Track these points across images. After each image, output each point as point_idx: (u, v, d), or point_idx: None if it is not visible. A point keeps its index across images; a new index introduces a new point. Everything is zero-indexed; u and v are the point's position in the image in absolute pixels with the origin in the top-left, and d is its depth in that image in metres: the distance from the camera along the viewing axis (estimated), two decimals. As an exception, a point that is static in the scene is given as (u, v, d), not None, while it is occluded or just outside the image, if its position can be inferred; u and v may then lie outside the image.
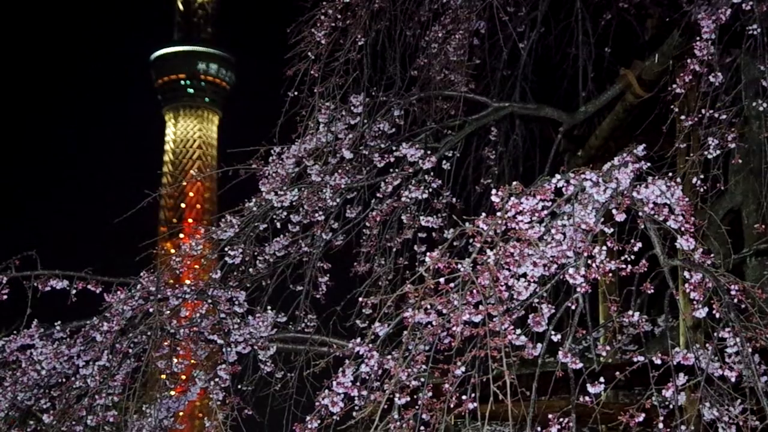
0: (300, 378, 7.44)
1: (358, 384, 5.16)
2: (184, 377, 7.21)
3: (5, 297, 7.18)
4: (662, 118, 6.43)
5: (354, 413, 5.21)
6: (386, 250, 8.14)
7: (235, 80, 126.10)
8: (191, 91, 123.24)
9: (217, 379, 6.83)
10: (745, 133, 7.15)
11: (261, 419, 7.42)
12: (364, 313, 7.70)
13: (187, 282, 7.35)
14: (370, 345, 5.06)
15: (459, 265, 4.81)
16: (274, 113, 7.98)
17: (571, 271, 4.85)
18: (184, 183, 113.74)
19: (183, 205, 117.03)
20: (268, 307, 7.34)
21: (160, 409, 7.01)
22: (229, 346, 6.88)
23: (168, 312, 6.82)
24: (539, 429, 4.74)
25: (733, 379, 4.71)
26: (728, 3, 5.89)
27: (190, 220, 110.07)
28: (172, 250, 7.86)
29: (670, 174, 5.16)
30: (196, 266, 7.74)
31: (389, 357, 5.00)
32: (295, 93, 7.86)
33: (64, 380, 6.93)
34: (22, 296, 7.20)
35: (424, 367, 4.86)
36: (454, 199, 8.33)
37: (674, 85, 6.11)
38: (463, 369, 4.76)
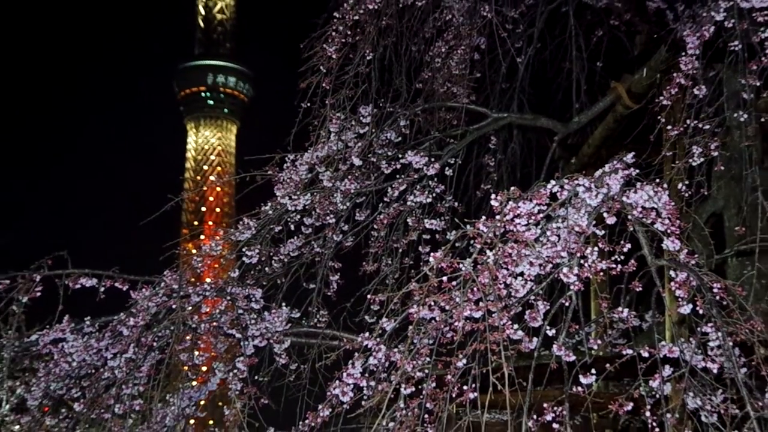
0: (312, 369, 7.45)
1: (366, 375, 5.17)
2: (204, 369, 7.21)
3: (39, 294, 7.19)
4: (650, 128, 6.43)
5: (363, 402, 5.23)
6: (393, 251, 8.14)
7: (252, 92, 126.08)
8: (211, 102, 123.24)
9: (235, 371, 6.83)
10: (727, 142, 7.15)
11: (276, 408, 7.42)
12: (372, 309, 7.71)
13: (208, 280, 7.37)
14: (378, 339, 5.08)
15: (461, 265, 4.82)
16: (289, 123, 8.01)
17: (565, 270, 4.86)
18: (205, 188, 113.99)
19: (203, 209, 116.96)
20: (283, 304, 7.35)
21: (183, 398, 7.01)
22: (246, 339, 6.89)
23: (190, 308, 6.83)
24: (535, 417, 4.75)
25: (715, 371, 4.72)
26: (711, 21, 5.89)
27: (210, 223, 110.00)
28: (194, 251, 7.86)
29: (657, 180, 5.16)
30: (216, 265, 7.75)
31: (395, 350, 5.02)
32: (308, 104, 7.88)
33: (93, 371, 6.94)
34: (55, 293, 7.21)
35: (428, 359, 4.88)
36: (456, 203, 8.33)
37: (661, 98, 6.12)
38: (464, 361, 4.77)
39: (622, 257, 4.94)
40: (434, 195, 7.85)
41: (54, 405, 7.05)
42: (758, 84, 5.86)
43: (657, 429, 4.76)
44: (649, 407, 4.79)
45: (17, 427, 7.10)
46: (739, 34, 5.80)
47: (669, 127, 6.25)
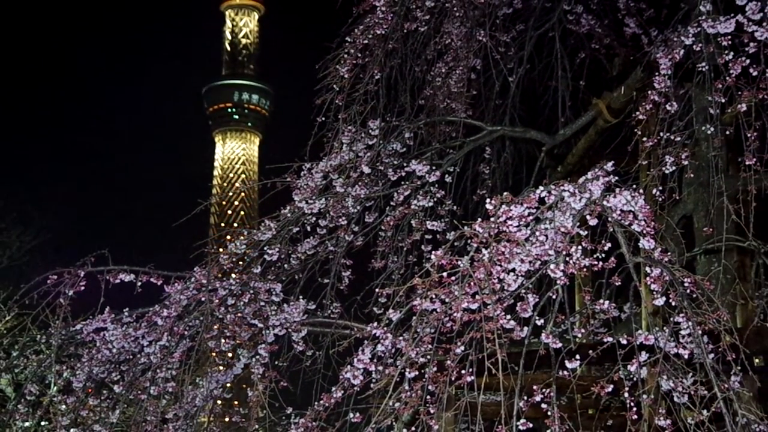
0: (327, 355, 7.44)
1: (375, 360, 5.18)
2: (230, 355, 7.21)
3: (83, 288, 7.20)
4: (627, 140, 6.42)
5: (372, 385, 5.23)
6: (398, 249, 8.13)
7: (273, 108, 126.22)
8: (237, 117, 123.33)
9: (258, 357, 6.82)
10: (696, 152, 7.13)
11: (294, 390, 7.42)
12: (379, 301, 7.70)
13: (233, 276, 7.37)
14: (385, 328, 5.08)
15: (459, 262, 4.82)
16: (306, 135, 8.02)
17: (552, 266, 4.85)
18: (231, 193, 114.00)
19: (229, 212, 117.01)
20: (300, 297, 7.34)
21: (211, 381, 7.01)
22: (267, 329, 6.88)
23: (217, 301, 6.84)
24: (526, 398, 4.75)
25: (686, 356, 4.70)
26: (681, 45, 5.88)
27: (235, 225, 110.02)
28: (221, 250, 7.85)
29: (634, 186, 5.16)
30: (241, 263, 7.75)
31: (401, 338, 5.02)
32: (323, 118, 7.90)
33: (131, 357, 6.95)
34: (97, 287, 7.22)
35: (430, 346, 4.87)
36: (455, 207, 8.32)
37: (637, 113, 6.10)
38: (462, 348, 4.76)
39: (603, 255, 4.93)
40: (435, 199, 7.84)
41: (96, 387, 7.06)
42: (723, 101, 5.84)
43: (634, 408, 4.75)
44: (627, 389, 4.78)
45: (63, 406, 7.11)
46: (706, 57, 5.79)
47: (644, 139, 6.23)
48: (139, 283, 7.23)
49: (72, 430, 6.92)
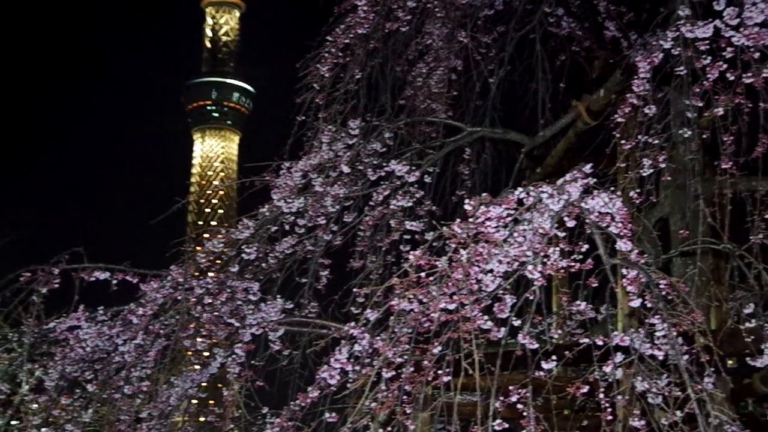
0: (303, 355, 7.43)
1: (352, 360, 5.18)
2: (206, 354, 7.19)
3: (57, 286, 7.16)
4: (606, 142, 6.46)
5: (348, 385, 5.23)
6: (377, 249, 8.13)
7: (253, 106, 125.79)
8: (216, 115, 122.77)
9: (234, 356, 6.81)
10: (673, 155, 7.17)
11: (270, 389, 7.41)
12: (357, 301, 7.67)
13: (210, 274, 7.35)
14: (363, 328, 5.09)
15: (437, 262, 4.83)
16: (285, 134, 8.03)
17: (530, 267, 4.87)
18: (209, 191, 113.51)
19: (207, 210, 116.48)
20: (278, 296, 7.34)
21: (186, 380, 6.99)
22: (244, 328, 6.87)
23: (194, 299, 6.82)
24: (502, 398, 4.76)
25: (660, 358, 4.73)
26: (660, 48, 5.92)
27: (213, 223, 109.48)
28: (198, 248, 7.83)
29: (612, 188, 5.18)
30: (218, 261, 7.73)
31: (378, 338, 5.03)
32: (303, 117, 7.91)
33: (105, 356, 6.92)
34: (71, 285, 7.19)
35: (407, 346, 4.87)
36: (434, 207, 8.33)
37: (616, 115, 6.13)
38: (439, 348, 4.77)
39: (581, 256, 4.95)
40: (415, 200, 7.86)
41: (69, 386, 7.03)
42: (701, 104, 5.89)
43: (609, 409, 4.78)
44: (602, 390, 4.80)
45: (35, 405, 7.06)
46: (684, 61, 5.83)
47: (623, 142, 6.27)
48: (115, 282, 7.21)
49: (43, 429, 6.88)
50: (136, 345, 6.71)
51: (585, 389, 4.82)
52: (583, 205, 4.95)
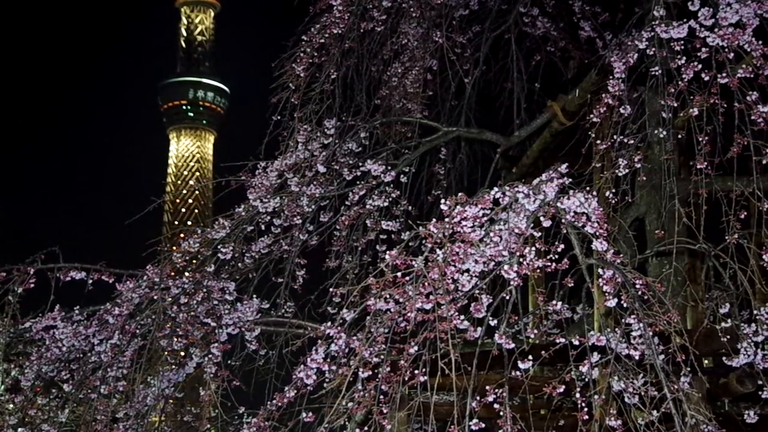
0: (280, 355, 7.41)
1: (328, 360, 5.14)
2: (182, 354, 7.14)
3: (32, 285, 7.09)
4: (582, 142, 6.45)
5: (325, 385, 5.20)
6: (353, 249, 8.11)
7: (228, 106, 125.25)
8: (191, 114, 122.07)
9: (210, 356, 6.76)
10: (649, 155, 7.20)
11: (247, 389, 7.37)
12: (334, 301, 7.65)
13: (186, 274, 7.29)
14: (339, 328, 5.05)
15: (413, 262, 4.81)
16: (261, 134, 7.98)
17: (506, 267, 4.86)
18: (185, 191, 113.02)
19: (183, 210, 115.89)
20: (254, 296, 7.30)
21: (163, 380, 6.94)
22: (220, 327, 6.83)
23: (170, 299, 6.76)
24: (478, 398, 4.75)
25: (637, 357, 4.74)
26: (635, 48, 5.93)
27: (189, 223, 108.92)
28: (174, 248, 7.77)
29: (588, 188, 5.18)
30: (194, 261, 7.68)
31: (355, 338, 4.99)
32: (278, 117, 7.85)
33: (81, 355, 6.86)
34: (47, 285, 7.12)
35: (383, 346, 4.85)
36: (410, 207, 8.30)
37: (591, 115, 6.14)
38: (416, 348, 4.75)
39: (557, 256, 4.94)
40: (390, 199, 7.83)
41: (45, 386, 6.96)
42: (676, 105, 5.91)
43: (586, 409, 4.78)
44: (579, 389, 4.81)
45: (11, 405, 6.99)
46: (659, 61, 5.85)
47: (598, 142, 6.29)
48: (91, 281, 7.14)
49: (20, 429, 6.81)
50: (113, 345, 6.65)
51: (561, 389, 4.82)
52: (559, 205, 4.95)
